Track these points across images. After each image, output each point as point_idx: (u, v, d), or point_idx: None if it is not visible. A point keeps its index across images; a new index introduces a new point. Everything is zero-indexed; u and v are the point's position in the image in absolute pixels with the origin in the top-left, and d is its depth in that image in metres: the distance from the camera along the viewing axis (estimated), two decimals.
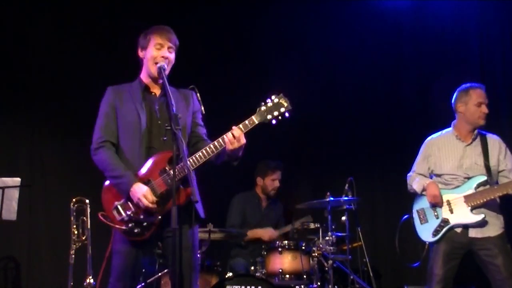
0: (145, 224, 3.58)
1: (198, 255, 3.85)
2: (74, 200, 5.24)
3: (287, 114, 3.64)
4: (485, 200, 4.61)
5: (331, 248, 5.34)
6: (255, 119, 3.70)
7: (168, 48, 3.79)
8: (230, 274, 5.21)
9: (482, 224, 4.62)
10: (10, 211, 5.04)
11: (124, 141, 3.74)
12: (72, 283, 5.21)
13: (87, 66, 6.50)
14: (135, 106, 3.73)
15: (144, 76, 3.87)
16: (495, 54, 6.76)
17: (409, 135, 6.84)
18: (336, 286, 5.37)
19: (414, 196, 4.95)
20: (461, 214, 4.65)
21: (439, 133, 4.96)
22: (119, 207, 3.63)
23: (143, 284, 5.07)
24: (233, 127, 3.59)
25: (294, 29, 7.10)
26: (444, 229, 4.67)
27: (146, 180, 3.62)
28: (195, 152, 3.66)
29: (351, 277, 5.46)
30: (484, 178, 4.66)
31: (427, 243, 4.83)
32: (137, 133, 3.69)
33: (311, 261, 5.37)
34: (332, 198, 5.41)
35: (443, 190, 4.75)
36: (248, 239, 5.97)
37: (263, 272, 5.37)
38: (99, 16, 6.65)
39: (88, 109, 6.40)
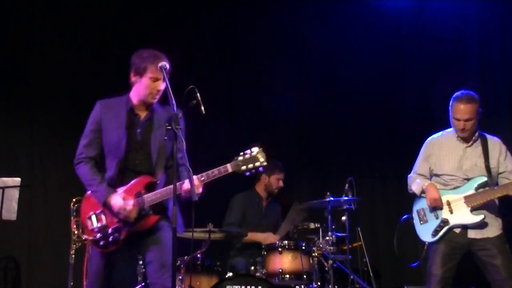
0: (110, 238, 3.74)
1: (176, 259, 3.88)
2: (74, 200, 5.24)
3: (261, 169, 3.72)
4: (485, 201, 4.61)
5: (331, 248, 5.34)
6: (229, 167, 3.78)
7: (163, 79, 3.81)
8: (230, 274, 5.21)
9: (482, 225, 4.62)
10: (10, 211, 5.04)
11: (105, 158, 3.88)
12: (72, 283, 5.21)
13: (88, 66, 6.50)
14: (117, 126, 3.84)
15: (133, 97, 3.93)
16: (495, 54, 6.77)
17: (409, 135, 6.85)
18: (336, 286, 5.37)
19: (414, 197, 4.94)
20: (461, 214, 4.65)
21: (440, 133, 4.95)
22: (93, 216, 3.81)
23: (143, 284, 5.07)
24: (194, 177, 3.62)
25: (294, 29, 7.09)
26: (444, 229, 4.68)
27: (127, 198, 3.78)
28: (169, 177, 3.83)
29: (351, 277, 5.46)
30: (485, 179, 4.66)
31: (426, 243, 4.83)
32: (115, 153, 3.82)
33: (311, 261, 5.36)
34: (332, 198, 5.41)
35: (442, 190, 4.75)
36: (246, 240, 5.96)
37: (263, 272, 5.37)
38: (101, 17, 6.65)
39: (88, 109, 6.46)
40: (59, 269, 5.91)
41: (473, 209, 4.63)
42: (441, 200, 4.71)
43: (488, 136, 4.83)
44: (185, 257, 5.13)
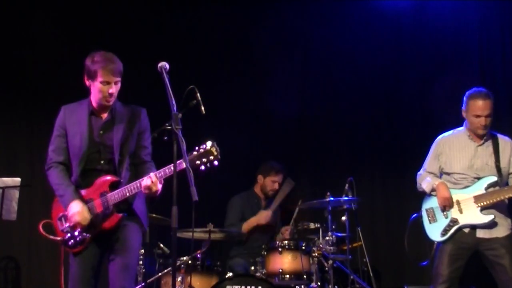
0: (78, 239, 3.83)
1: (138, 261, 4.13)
2: None
3: (215, 163, 3.71)
4: (495, 201, 4.59)
5: (331, 248, 5.34)
6: (183, 164, 3.65)
7: (115, 82, 3.89)
8: (230, 274, 5.21)
9: (491, 225, 4.61)
10: (10, 211, 5.03)
11: (71, 161, 3.96)
12: None
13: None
14: (80, 131, 3.92)
15: (92, 100, 3.99)
16: (495, 54, 6.77)
17: (409, 135, 6.85)
18: (336, 286, 5.37)
19: (423, 195, 4.92)
20: (470, 214, 4.64)
21: (451, 131, 4.93)
22: (62, 218, 3.92)
23: (143, 284, 5.07)
24: (151, 174, 3.77)
25: (294, 29, 7.09)
26: (453, 229, 4.66)
27: (88, 199, 3.88)
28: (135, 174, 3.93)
29: (351, 277, 5.46)
30: (495, 179, 4.65)
31: (435, 242, 4.81)
32: (79, 157, 3.90)
33: (311, 261, 5.36)
34: (332, 198, 5.41)
35: (452, 189, 4.73)
36: (246, 232, 5.95)
37: (263, 272, 5.36)
38: (101, 17, 6.65)
39: None
40: (59, 269, 5.90)
41: (483, 209, 4.62)
42: (452, 199, 4.70)
43: (499, 136, 4.82)
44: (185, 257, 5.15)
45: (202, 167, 3.71)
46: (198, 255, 5.31)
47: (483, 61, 6.80)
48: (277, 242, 5.51)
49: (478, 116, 4.68)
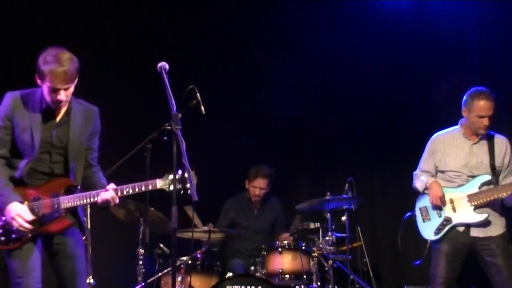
0: (13, 236, 3.60)
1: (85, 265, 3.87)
2: None
3: (189, 191, 3.66)
4: (488, 199, 4.60)
5: (331, 248, 5.34)
6: (158, 184, 3.67)
7: (65, 89, 3.62)
8: (230, 274, 5.21)
9: (485, 223, 4.61)
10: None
11: (15, 155, 3.68)
12: None
13: (88, 65, 6.49)
14: (30, 126, 3.64)
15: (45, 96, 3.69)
16: (495, 54, 6.77)
17: (409, 135, 6.84)
18: (336, 286, 5.37)
19: (417, 194, 4.93)
20: (464, 213, 4.64)
21: (445, 130, 4.93)
22: None
23: (143, 284, 5.07)
24: (112, 188, 3.66)
25: (294, 29, 7.10)
26: (447, 228, 4.67)
27: (36, 197, 3.65)
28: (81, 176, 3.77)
29: (351, 277, 5.46)
30: (489, 177, 4.65)
31: (429, 241, 4.82)
32: (28, 154, 3.65)
33: (311, 261, 5.36)
34: (332, 198, 5.40)
35: (446, 188, 4.74)
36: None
37: (263, 272, 5.37)
38: (101, 17, 6.65)
39: None
40: None
41: (476, 208, 4.63)
42: (444, 198, 4.70)
43: (496, 135, 4.82)
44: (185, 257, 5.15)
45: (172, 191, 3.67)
46: (198, 255, 5.31)
47: (483, 61, 6.80)
48: (277, 242, 5.51)
49: (481, 117, 4.67)
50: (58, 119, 3.73)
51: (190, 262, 5.20)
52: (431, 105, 6.73)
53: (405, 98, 7.00)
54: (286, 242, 5.47)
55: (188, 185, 3.61)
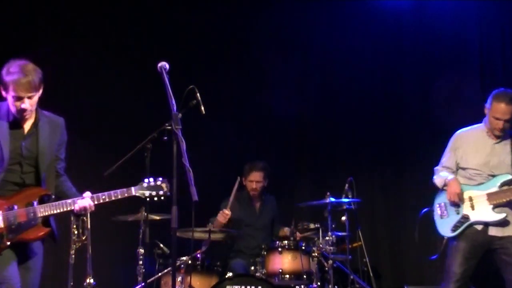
0: None
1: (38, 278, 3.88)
2: None
3: (162, 198, 3.90)
4: (508, 199, 4.59)
5: (331, 248, 5.34)
6: (133, 191, 3.87)
7: (28, 97, 3.66)
8: (230, 274, 5.21)
9: (503, 223, 4.60)
10: None
11: None
12: (72, 283, 5.21)
13: (87, 65, 6.51)
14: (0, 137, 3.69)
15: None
16: (495, 54, 6.77)
17: (409, 135, 6.86)
18: (336, 286, 5.37)
19: (437, 190, 4.92)
20: (482, 211, 4.63)
21: (469, 127, 4.92)
22: None
23: (143, 284, 5.07)
24: (88, 196, 3.80)
25: (294, 29, 7.10)
26: (464, 225, 4.65)
27: (10, 206, 3.67)
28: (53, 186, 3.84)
29: (351, 277, 5.46)
30: (509, 177, 4.64)
31: (445, 237, 4.80)
32: None
33: (311, 261, 5.37)
34: (332, 198, 5.41)
35: (466, 186, 4.73)
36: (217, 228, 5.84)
37: (263, 272, 5.37)
38: (100, 17, 6.65)
39: (89, 109, 6.47)
40: (59, 269, 5.90)
41: (495, 207, 4.62)
42: (462, 195, 4.69)
43: None
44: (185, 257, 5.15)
45: (148, 199, 3.89)
46: (198, 255, 5.31)
47: (483, 61, 6.80)
48: (277, 242, 5.51)
49: (497, 119, 4.66)
50: (26, 130, 3.77)
51: (190, 262, 5.20)
52: (431, 105, 6.73)
53: (405, 98, 7.00)
54: (286, 242, 5.46)
55: (162, 192, 3.85)
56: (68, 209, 3.77)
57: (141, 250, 5.06)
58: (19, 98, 3.63)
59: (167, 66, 3.75)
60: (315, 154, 7.08)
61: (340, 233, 5.53)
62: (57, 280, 6.01)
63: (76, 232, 5.19)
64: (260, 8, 6.98)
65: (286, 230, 5.98)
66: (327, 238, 5.37)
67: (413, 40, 7.02)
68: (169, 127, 3.58)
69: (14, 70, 3.64)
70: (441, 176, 4.84)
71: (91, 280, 4.96)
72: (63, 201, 3.77)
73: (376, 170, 7.03)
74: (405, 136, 6.85)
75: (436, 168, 4.99)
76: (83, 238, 5.18)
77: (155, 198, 3.88)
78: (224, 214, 5.78)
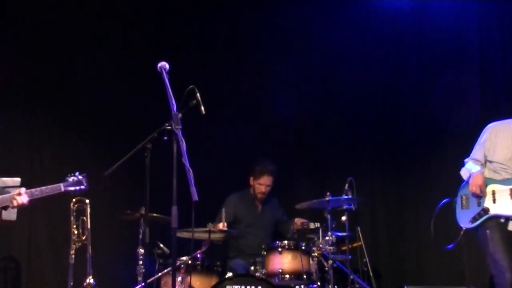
0: None
1: None
2: (74, 200, 5.24)
3: (82, 192, 4.34)
4: None
5: (331, 248, 5.33)
6: (62, 187, 4.26)
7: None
8: (230, 274, 5.21)
9: None
10: (10, 211, 5.02)
11: None
12: (72, 283, 5.21)
13: (87, 65, 6.51)
14: None
15: None
16: (495, 54, 6.77)
17: (409, 135, 6.85)
18: (336, 286, 5.37)
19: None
20: (503, 205, 4.65)
21: (502, 121, 4.93)
22: None
23: (143, 284, 5.07)
24: (22, 191, 4.10)
25: (294, 29, 7.09)
26: (483, 218, 4.67)
27: None
28: None
29: (351, 277, 5.46)
30: None
31: (464, 228, 4.81)
32: None
33: (311, 261, 5.36)
34: (332, 198, 5.40)
35: (490, 180, 4.75)
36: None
37: (263, 272, 5.36)
38: (100, 18, 6.64)
39: (89, 109, 6.47)
40: (59, 269, 5.91)
41: None
42: (485, 188, 4.70)
43: None
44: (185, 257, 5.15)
45: (72, 193, 4.30)
46: (198, 255, 5.31)
47: (483, 61, 6.79)
48: (277, 242, 5.51)
49: None
50: None
51: (190, 262, 5.19)
52: (432, 105, 6.73)
53: (405, 98, 6.99)
54: (286, 242, 5.45)
55: (83, 187, 4.22)
56: (5, 204, 4.06)
57: (141, 250, 5.06)
58: None
59: (167, 66, 3.75)
60: (315, 154, 7.08)
61: (340, 233, 5.53)
62: (57, 280, 6.02)
63: (76, 232, 5.20)
64: (260, 8, 6.98)
65: (297, 221, 5.95)
66: (327, 238, 5.36)
67: (413, 40, 7.01)
68: (169, 127, 3.58)
69: None
70: (467, 168, 4.87)
71: (91, 280, 4.97)
72: (1, 197, 4.02)
73: (376, 170, 7.03)
74: (405, 136, 6.85)
75: (465, 160, 5.01)
76: (83, 238, 5.19)
77: (77, 192, 4.25)
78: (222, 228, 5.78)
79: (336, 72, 7.07)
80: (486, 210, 4.66)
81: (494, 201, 4.68)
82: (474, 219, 4.68)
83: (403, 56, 7.05)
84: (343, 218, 5.54)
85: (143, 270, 5.06)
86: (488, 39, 6.81)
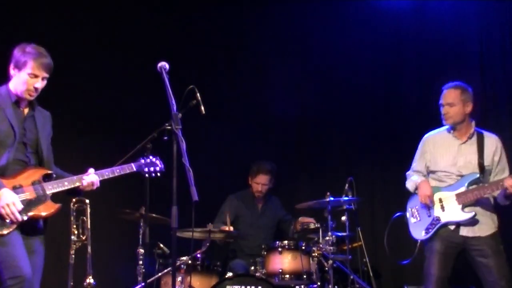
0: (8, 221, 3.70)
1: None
2: (74, 200, 5.22)
3: (159, 174, 4.18)
4: (476, 198, 4.60)
5: (331, 248, 5.34)
6: (134, 167, 4.14)
7: (43, 78, 3.87)
8: (230, 274, 5.21)
9: (473, 222, 4.61)
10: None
11: None
12: (72, 283, 5.20)
13: (87, 65, 6.50)
14: (6, 116, 3.80)
15: (13, 90, 3.89)
16: (495, 54, 6.76)
17: (409, 135, 6.83)
18: (336, 286, 5.37)
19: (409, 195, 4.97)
20: (452, 211, 4.66)
21: (435, 130, 4.99)
22: None
23: (143, 284, 5.07)
24: (91, 171, 4.02)
25: (294, 29, 7.10)
26: (436, 227, 4.69)
27: (17, 185, 3.78)
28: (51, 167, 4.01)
29: (351, 277, 5.46)
30: (476, 176, 4.66)
31: (419, 241, 4.83)
32: (6, 144, 3.79)
33: (311, 261, 5.37)
34: (332, 198, 5.41)
35: (436, 188, 4.76)
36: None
37: (263, 272, 5.37)
38: (100, 18, 6.64)
39: (89, 109, 6.47)
40: (59, 269, 5.90)
41: (465, 206, 4.64)
42: (433, 197, 4.72)
43: (486, 134, 4.83)
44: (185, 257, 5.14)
45: (147, 175, 4.09)
46: (198, 255, 5.31)
47: (483, 61, 6.79)
48: (277, 242, 5.51)
49: (441, 105, 4.82)
50: (25, 113, 3.93)
51: (190, 262, 5.20)
52: (431, 105, 6.71)
53: (405, 98, 7.00)
54: (286, 242, 5.46)
55: (158, 168, 4.09)
56: (76, 185, 3.93)
57: (141, 250, 5.06)
58: (35, 76, 3.82)
59: (167, 66, 3.75)
60: (315, 154, 7.08)
61: (340, 233, 5.53)
62: (57, 280, 6.01)
63: (76, 232, 5.19)
64: (260, 8, 6.98)
65: (301, 219, 5.94)
66: (327, 238, 5.37)
67: (413, 40, 7.01)
68: (169, 127, 3.59)
69: (32, 51, 3.84)
70: (412, 180, 4.91)
71: (91, 280, 4.96)
72: (70, 177, 3.94)
73: (376, 170, 7.03)
74: (405, 136, 6.84)
75: (407, 173, 5.05)
76: (83, 238, 5.19)
77: (153, 174, 4.08)
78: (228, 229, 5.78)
79: (336, 72, 7.07)
80: (437, 219, 4.69)
81: (442, 208, 4.69)
82: (427, 230, 4.71)
83: (403, 56, 7.05)
84: (343, 218, 5.54)
85: (143, 270, 5.07)
86: (488, 39, 6.81)
